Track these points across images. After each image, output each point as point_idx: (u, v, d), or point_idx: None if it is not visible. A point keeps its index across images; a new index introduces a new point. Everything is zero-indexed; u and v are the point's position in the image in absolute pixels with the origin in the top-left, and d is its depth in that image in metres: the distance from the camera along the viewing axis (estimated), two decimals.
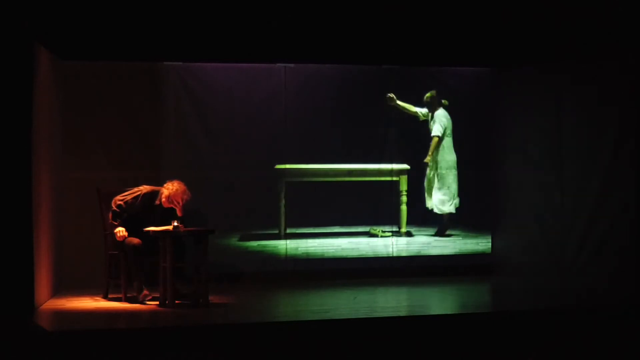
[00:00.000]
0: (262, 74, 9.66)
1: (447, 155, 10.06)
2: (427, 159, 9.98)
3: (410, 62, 9.88)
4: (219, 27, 8.72)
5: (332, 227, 9.99)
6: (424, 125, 10.04)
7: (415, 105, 10.01)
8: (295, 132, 9.69)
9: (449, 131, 10.04)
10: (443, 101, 10.02)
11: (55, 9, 7.87)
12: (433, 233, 10.12)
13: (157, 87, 9.38)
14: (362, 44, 9.26)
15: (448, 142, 10.06)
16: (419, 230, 10.12)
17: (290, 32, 8.90)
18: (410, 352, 6.78)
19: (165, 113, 9.39)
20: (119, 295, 8.13)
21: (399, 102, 9.90)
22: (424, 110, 10.02)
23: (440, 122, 9.99)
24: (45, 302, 8.03)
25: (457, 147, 10.09)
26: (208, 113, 9.51)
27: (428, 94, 10.01)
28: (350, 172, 9.91)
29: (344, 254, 9.86)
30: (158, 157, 9.30)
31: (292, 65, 9.67)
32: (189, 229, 7.99)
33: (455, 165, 10.05)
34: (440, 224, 10.11)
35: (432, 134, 10.01)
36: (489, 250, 10.17)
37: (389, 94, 9.85)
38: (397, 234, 10.01)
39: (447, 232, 10.13)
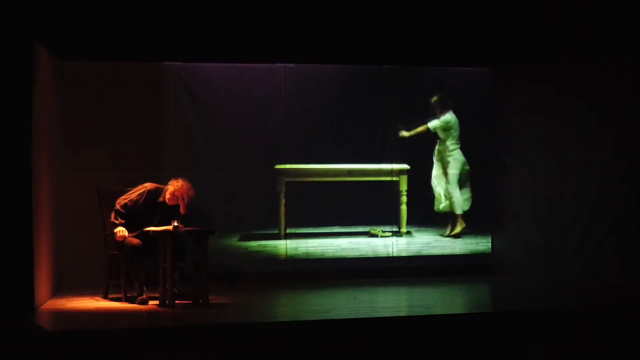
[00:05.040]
0: (262, 74, 9.66)
1: (460, 156, 10.04)
2: (403, 133, 9.94)
3: (411, 62, 9.87)
4: (219, 27, 8.72)
5: (332, 227, 9.98)
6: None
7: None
8: (295, 132, 9.69)
9: (455, 133, 10.02)
10: (450, 103, 9.99)
11: (55, 9, 7.87)
12: (440, 233, 10.10)
13: (157, 87, 9.38)
14: (362, 44, 9.26)
15: (455, 145, 10.02)
16: (419, 230, 10.12)
17: (290, 32, 8.90)
18: (410, 352, 6.78)
19: (165, 113, 9.39)
20: (119, 295, 8.13)
21: (409, 132, 9.90)
22: (432, 124, 9.98)
23: (441, 120, 9.97)
24: (45, 302, 8.03)
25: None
26: (208, 113, 9.51)
27: (434, 98, 9.99)
28: (350, 172, 9.91)
29: (344, 254, 9.86)
30: (158, 157, 9.30)
31: (292, 65, 9.67)
32: (189, 229, 7.99)
33: (467, 165, 10.06)
34: (452, 223, 10.13)
35: (428, 123, 10.00)
36: (489, 250, 10.16)
37: (401, 133, 9.85)
38: (397, 234, 10.00)
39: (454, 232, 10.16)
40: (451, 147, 10.01)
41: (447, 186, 10.03)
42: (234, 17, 8.57)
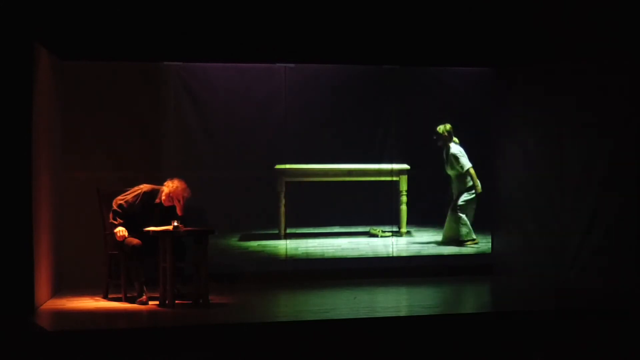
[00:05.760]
0: (262, 74, 9.66)
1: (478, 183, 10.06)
2: (479, 189, 9.96)
3: (411, 62, 9.87)
4: (219, 27, 8.72)
5: (332, 227, 9.99)
6: (424, 125, 10.01)
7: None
8: (295, 132, 9.69)
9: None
10: (454, 139, 9.99)
11: (55, 9, 7.87)
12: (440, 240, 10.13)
13: (157, 87, 9.38)
14: (362, 44, 9.26)
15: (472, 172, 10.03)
16: (419, 230, 10.12)
17: (290, 32, 8.90)
18: (410, 352, 6.78)
19: (165, 113, 9.39)
20: (119, 295, 8.13)
21: (477, 184, 9.93)
22: (469, 163, 9.95)
23: (463, 156, 9.94)
24: (45, 302, 8.03)
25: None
26: (208, 113, 9.52)
27: (442, 128, 9.94)
28: (350, 172, 9.91)
29: (344, 254, 9.86)
30: (158, 157, 9.30)
31: (292, 65, 9.67)
32: (189, 229, 7.99)
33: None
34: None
35: (467, 168, 9.92)
36: (489, 250, 10.16)
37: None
38: (397, 234, 10.00)
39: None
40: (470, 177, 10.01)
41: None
42: (234, 17, 8.57)
